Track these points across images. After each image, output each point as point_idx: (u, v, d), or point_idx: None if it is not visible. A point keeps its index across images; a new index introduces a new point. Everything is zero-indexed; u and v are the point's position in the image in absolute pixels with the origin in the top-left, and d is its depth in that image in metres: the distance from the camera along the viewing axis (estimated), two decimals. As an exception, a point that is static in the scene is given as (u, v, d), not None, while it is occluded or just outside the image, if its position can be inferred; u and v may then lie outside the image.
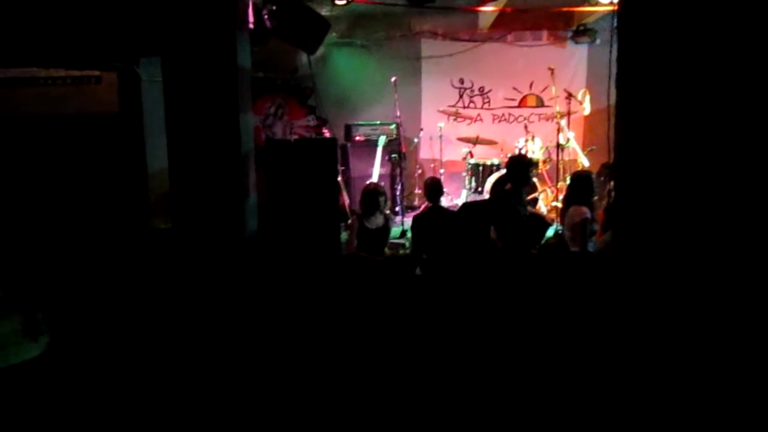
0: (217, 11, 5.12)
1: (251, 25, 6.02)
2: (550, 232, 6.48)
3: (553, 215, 7.29)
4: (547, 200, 7.74)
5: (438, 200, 5.62)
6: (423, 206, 6.68)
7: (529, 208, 6.68)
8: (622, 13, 3.43)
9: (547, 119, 8.66)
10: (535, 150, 8.02)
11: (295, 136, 8.70)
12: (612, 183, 4.31)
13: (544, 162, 8.00)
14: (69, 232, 6.07)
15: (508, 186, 5.58)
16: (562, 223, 5.18)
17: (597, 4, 7.02)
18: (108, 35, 6.29)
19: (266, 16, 6.28)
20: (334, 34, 8.39)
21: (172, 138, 5.30)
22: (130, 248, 6.46)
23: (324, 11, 7.21)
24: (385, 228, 5.82)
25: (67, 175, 6.57)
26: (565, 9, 8.47)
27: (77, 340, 4.89)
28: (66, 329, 5.04)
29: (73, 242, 6.07)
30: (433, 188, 5.68)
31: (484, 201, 7.35)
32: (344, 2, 6.75)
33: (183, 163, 5.26)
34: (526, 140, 8.09)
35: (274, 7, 6.08)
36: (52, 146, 6.74)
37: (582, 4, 7.89)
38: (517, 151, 8.01)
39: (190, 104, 5.20)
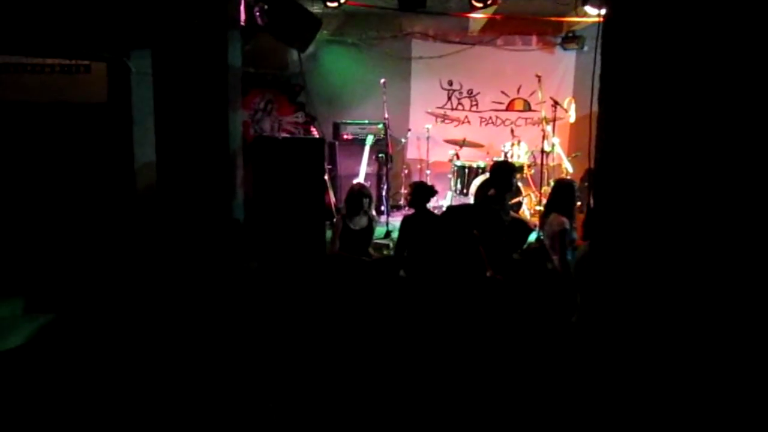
0: (209, 8, 5.17)
1: (242, 23, 6.05)
2: (532, 237, 6.57)
3: (536, 220, 7.37)
4: (531, 204, 7.84)
5: (424, 205, 5.61)
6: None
7: (513, 212, 6.76)
8: (606, 29, 3.51)
9: (534, 124, 8.76)
10: (520, 154, 8.12)
11: (284, 133, 8.74)
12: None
13: (529, 166, 8.10)
14: (54, 220, 6.06)
15: (492, 191, 5.66)
16: (541, 230, 5.26)
17: (584, 15, 7.10)
18: (99, 25, 6.28)
19: (258, 13, 6.30)
20: (325, 31, 8.43)
21: (160, 132, 5.34)
22: (115, 239, 6.48)
23: (315, 9, 7.25)
24: (369, 228, 5.88)
25: (52, 162, 6.55)
26: (553, 18, 8.57)
27: (65, 327, 4.96)
28: (55, 314, 5.11)
29: (59, 231, 6.07)
30: (419, 192, 5.64)
31: (467, 205, 7.42)
32: (336, 4, 6.76)
33: (171, 157, 5.31)
34: (512, 144, 8.18)
35: (266, 6, 6.10)
36: (38, 133, 6.72)
37: (569, 15, 7.98)
38: (503, 155, 8.10)
39: (179, 99, 5.24)
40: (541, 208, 7.19)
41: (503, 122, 9.48)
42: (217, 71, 5.16)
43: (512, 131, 8.53)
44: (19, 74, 7.97)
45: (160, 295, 5.23)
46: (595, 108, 3.13)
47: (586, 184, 6.94)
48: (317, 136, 7.87)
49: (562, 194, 5.08)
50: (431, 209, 7.52)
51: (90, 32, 6.38)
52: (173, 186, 5.30)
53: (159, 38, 5.35)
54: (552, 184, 6.68)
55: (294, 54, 8.45)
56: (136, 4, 5.80)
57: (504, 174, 5.65)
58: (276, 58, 8.73)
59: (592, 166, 3.67)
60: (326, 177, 7.10)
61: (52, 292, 5.71)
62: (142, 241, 6.29)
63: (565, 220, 4.86)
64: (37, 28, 6.02)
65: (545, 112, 7.79)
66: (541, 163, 7.63)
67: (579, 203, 5.67)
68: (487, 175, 7.52)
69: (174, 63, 5.23)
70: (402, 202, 8.81)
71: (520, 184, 7.66)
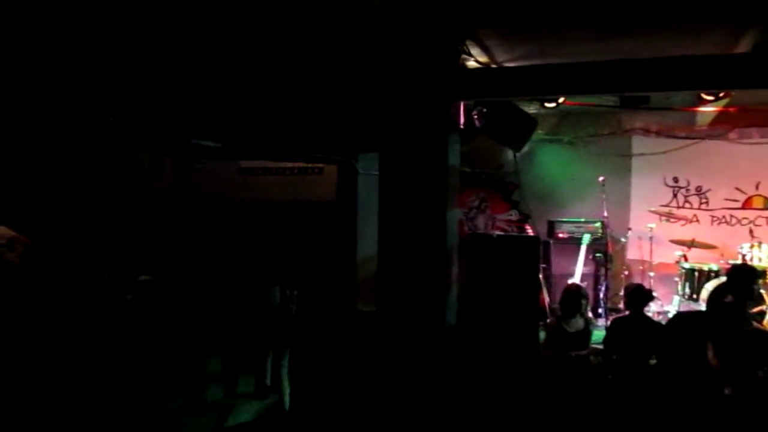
0: (431, 114, 5.52)
1: (461, 125, 6.35)
2: (780, 352, 5.74)
3: (784, 332, 6.47)
4: (776, 315, 6.91)
5: (640, 309, 5.25)
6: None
7: (755, 323, 6.00)
8: None
9: (777, 223, 7.84)
10: (762, 257, 7.29)
11: (497, 231, 8.82)
12: None
13: (774, 271, 7.20)
14: (288, 299, 6.63)
15: (729, 298, 5.09)
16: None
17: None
18: (333, 133, 7.04)
19: (476, 117, 6.58)
20: (540, 131, 8.50)
21: (383, 227, 5.68)
22: (337, 326, 6.94)
23: (532, 110, 7.39)
24: (586, 331, 5.60)
25: (290, 252, 7.28)
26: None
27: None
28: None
29: (290, 308, 6.60)
30: (636, 295, 5.31)
31: (700, 312, 6.77)
32: (554, 105, 6.84)
33: (391, 251, 5.59)
34: (752, 246, 7.38)
35: (484, 109, 6.36)
36: (278, 228, 7.57)
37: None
38: (740, 258, 7.32)
39: (401, 197, 5.57)
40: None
41: (739, 221, 8.59)
42: (437, 171, 5.42)
43: (751, 231, 7.70)
44: (264, 176, 9.17)
45: (375, 384, 5.43)
46: None
47: None
48: (532, 234, 7.82)
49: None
50: (655, 314, 7.00)
51: (325, 140, 7.17)
52: (392, 279, 5.55)
53: (385, 142, 5.81)
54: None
55: (509, 153, 8.63)
56: (365, 114, 6.41)
57: (744, 278, 5.07)
58: (491, 157, 8.98)
59: None
60: (540, 276, 6.96)
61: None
62: (359, 330, 6.65)
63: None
64: (283, 138, 6.88)
65: (792, 210, 6.97)
66: (790, 267, 6.75)
67: None
68: (722, 279, 6.86)
69: (398, 164, 5.60)
70: (621, 305, 8.29)
71: (762, 291, 6.81)
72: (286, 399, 5.88)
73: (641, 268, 8.39)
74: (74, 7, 4.46)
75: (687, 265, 7.70)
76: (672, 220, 8.59)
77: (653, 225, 8.21)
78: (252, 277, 6.24)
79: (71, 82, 5.28)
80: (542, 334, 6.15)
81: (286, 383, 5.89)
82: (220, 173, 9.26)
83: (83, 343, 5.52)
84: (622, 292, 8.18)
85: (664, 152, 8.76)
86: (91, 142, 6.83)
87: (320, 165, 8.69)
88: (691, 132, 8.69)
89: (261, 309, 5.98)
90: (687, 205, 8.84)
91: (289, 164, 8.90)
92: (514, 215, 9.06)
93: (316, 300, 7.35)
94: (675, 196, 8.88)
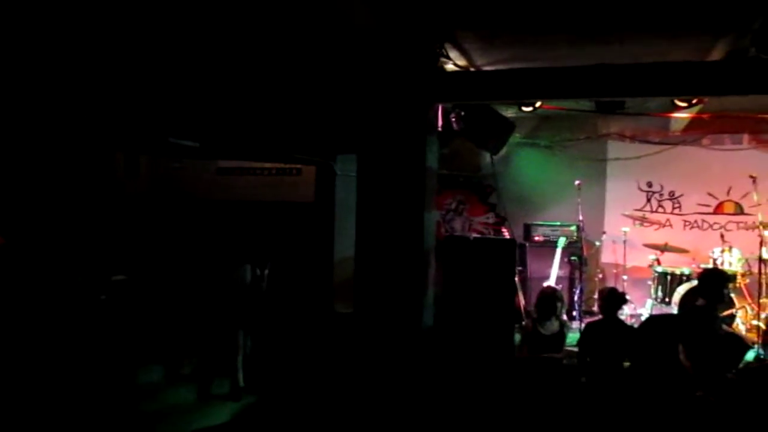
0: (410, 116, 5.54)
1: (439, 128, 6.37)
2: (750, 355, 5.85)
3: (753, 336, 6.59)
4: (746, 318, 7.04)
5: (614, 313, 5.30)
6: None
7: (725, 326, 6.10)
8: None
9: (748, 228, 7.96)
10: (732, 261, 7.40)
11: (474, 233, 8.86)
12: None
13: (743, 275, 7.33)
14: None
15: (701, 301, 5.18)
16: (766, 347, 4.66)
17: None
18: (312, 134, 7.02)
19: (454, 119, 6.61)
20: (518, 134, 8.56)
21: (361, 229, 5.68)
22: (314, 327, 6.91)
23: (509, 113, 7.44)
24: (561, 334, 5.64)
25: (267, 252, 7.25)
26: (768, 115, 7.93)
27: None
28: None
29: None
30: (610, 299, 5.35)
31: (672, 315, 6.86)
32: (531, 109, 6.89)
33: (369, 253, 5.60)
34: (723, 250, 7.50)
35: (463, 112, 6.39)
36: (255, 227, 7.51)
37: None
38: (711, 262, 7.44)
39: (379, 199, 5.58)
40: (760, 324, 6.44)
41: (710, 226, 8.73)
42: (415, 173, 5.44)
43: (722, 236, 7.82)
44: (242, 176, 9.11)
45: (352, 383, 5.43)
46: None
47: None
48: (508, 236, 7.86)
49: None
50: (628, 317, 7.09)
51: (304, 141, 7.15)
52: (369, 280, 5.56)
53: (363, 144, 5.81)
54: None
55: (487, 156, 8.66)
56: (344, 116, 6.41)
57: (715, 282, 5.16)
58: (469, 160, 9.01)
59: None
60: (516, 279, 7.01)
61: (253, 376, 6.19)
62: (336, 331, 6.63)
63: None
64: (261, 138, 6.85)
65: (762, 215, 7.09)
66: (759, 272, 6.87)
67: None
68: (694, 282, 6.96)
69: (376, 165, 5.62)
70: (595, 308, 8.37)
71: (732, 294, 6.93)
72: (240, 377, 6.01)
73: (615, 271, 8.47)
74: (52, 5, 4.40)
75: (660, 269, 7.79)
76: (645, 224, 8.71)
77: (627, 229, 8.29)
78: (223, 257, 6.35)
79: (46, 78, 5.20)
80: (517, 337, 6.19)
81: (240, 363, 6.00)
82: (197, 173, 9.18)
83: (54, 341, 5.45)
84: (596, 295, 8.29)
85: (639, 157, 8.87)
86: (66, 140, 6.72)
87: (298, 166, 8.65)
88: (665, 137, 8.82)
89: (232, 287, 6.08)
90: (660, 209, 8.96)
91: (268, 164, 8.84)
92: (491, 218, 9.11)
93: (292, 300, 7.33)
94: (649, 200, 9.01)
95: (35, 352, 5.49)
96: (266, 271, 6.26)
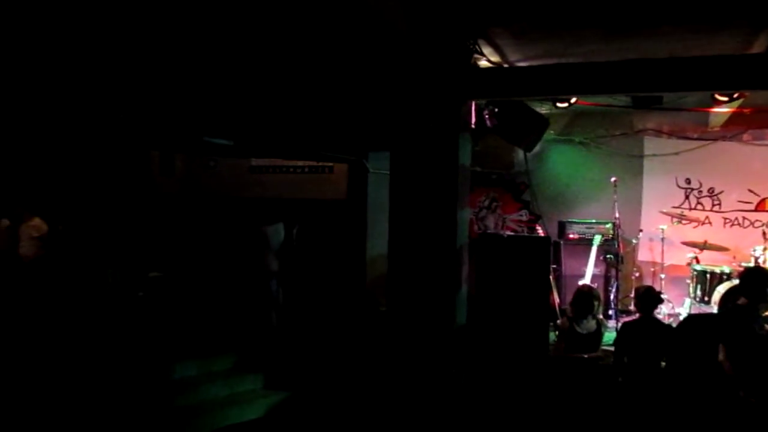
0: (442, 113, 5.50)
1: (473, 125, 6.33)
2: (793, 356, 5.69)
3: (797, 336, 6.41)
4: (789, 318, 6.84)
5: (651, 312, 5.21)
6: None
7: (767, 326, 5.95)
8: None
9: (791, 226, 7.74)
10: (775, 260, 7.20)
11: (508, 231, 8.79)
12: None
13: (787, 274, 7.12)
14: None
15: (742, 300, 5.05)
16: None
17: None
18: (345, 132, 7.05)
19: (487, 116, 6.55)
20: (552, 131, 8.45)
21: (393, 226, 5.67)
22: (347, 322, 6.96)
23: (543, 110, 7.35)
24: (598, 333, 5.56)
25: (299, 250, 7.40)
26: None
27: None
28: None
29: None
30: (646, 298, 5.26)
31: (711, 315, 6.71)
32: (566, 105, 6.80)
33: (402, 250, 5.59)
34: (765, 248, 7.30)
35: (496, 109, 6.33)
36: (291, 224, 7.61)
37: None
38: (753, 261, 7.25)
39: (412, 196, 5.56)
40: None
41: (752, 224, 8.50)
42: (448, 171, 5.41)
43: (764, 234, 7.61)
44: (275, 174, 9.19)
45: (383, 380, 5.43)
46: None
47: None
48: (542, 234, 7.78)
49: None
50: (666, 316, 6.96)
51: (336, 138, 7.19)
52: (402, 278, 5.55)
53: (396, 141, 5.80)
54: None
55: (520, 153, 8.59)
56: (376, 114, 6.41)
57: (757, 281, 5.01)
58: (502, 157, 8.95)
59: None
60: (551, 277, 6.93)
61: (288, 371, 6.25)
62: (369, 329, 6.65)
63: None
64: (294, 136, 6.90)
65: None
66: (803, 271, 6.67)
67: None
68: (735, 281, 6.80)
69: (409, 163, 5.59)
70: (632, 306, 8.23)
71: (775, 293, 6.74)
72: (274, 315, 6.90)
73: (652, 269, 8.33)
74: (87, 6, 4.49)
75: (699, 267, 7.63)
76: (684, 221, 8.52)
77: (665, 226, 8.14)
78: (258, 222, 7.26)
79: (83, 80, 5.32)
80: (552, 335, 6.12)
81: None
82: (231, 171, 9.30)
83: (87, 337, 5.57)
84: (632, 294, 8.15)
85: (677, 153, 8.69)
86: (103, 140, 6.87)
87: (331, 164, 8.69)
88: (704, 133, 8.62)
89: (267, 240, 7.10)
90: (699, 206, 8.76)
91: (300, 162, 8.91)
92: (524, 215, 9.03)
93: (326, 298, 7.38)
94: (687, 197, 8.81)
95: (74, 347, 5.62)
96: (295, 230, 7.43)
